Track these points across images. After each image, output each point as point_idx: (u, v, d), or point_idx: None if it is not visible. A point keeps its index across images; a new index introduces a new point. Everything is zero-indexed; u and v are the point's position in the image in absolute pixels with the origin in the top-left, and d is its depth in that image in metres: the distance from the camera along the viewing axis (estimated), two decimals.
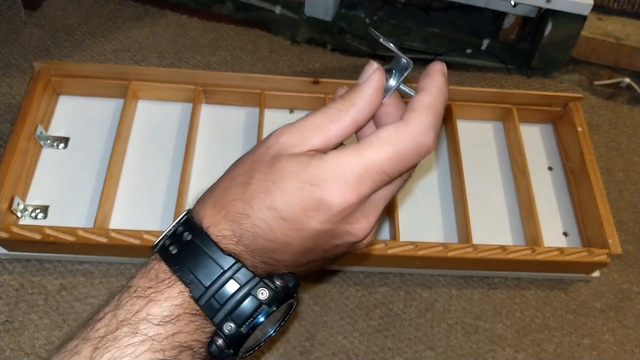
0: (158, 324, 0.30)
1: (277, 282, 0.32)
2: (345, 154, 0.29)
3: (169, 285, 0.31)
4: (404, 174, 0.32)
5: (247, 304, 0.31)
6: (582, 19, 0.79)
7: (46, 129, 0.69)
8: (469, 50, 0.89)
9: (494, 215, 0.70)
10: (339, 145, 0.31)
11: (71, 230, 0.57)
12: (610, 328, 0.65)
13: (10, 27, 0.82)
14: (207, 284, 0.30)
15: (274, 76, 0.71)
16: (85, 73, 0.70)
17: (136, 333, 0.30)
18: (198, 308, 0.31)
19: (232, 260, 0.30)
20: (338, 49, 0.89)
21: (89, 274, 0.62)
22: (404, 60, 0.31)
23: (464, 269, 0.65)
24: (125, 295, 0.31)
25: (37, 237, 0.57)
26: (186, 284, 0.30)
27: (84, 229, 0.57)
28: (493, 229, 0.69)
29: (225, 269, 0.30)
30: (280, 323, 0.35)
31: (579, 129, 0.72)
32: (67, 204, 0.65)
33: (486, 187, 0.72)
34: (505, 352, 0.62)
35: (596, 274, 0.67)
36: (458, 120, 0.73)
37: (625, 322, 0.66)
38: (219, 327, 0.31)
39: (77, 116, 0.71)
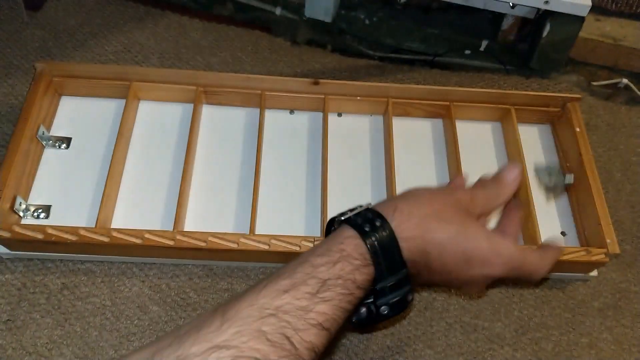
0: (358, 287, 0.40)
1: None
2: (518, 251, 0.45)
3: (363, 264, 0.40)
4: None
5: (404, 299, 0.42)
6: (581, 20, 0.79)
7: (48, 129, 0.69)
8: (467, 51, 0.90)
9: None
10: None
11: (73, 230, 0.58)
12: (608, 327, 0.66)
13: (12, 28, 0.82)
14: (388, 276, 0.41)
15: (274, 77, 0.72)
16: (87, 74, 0.71)
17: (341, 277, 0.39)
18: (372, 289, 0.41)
19: (405, 268, 0.41)
20: (338, 49, 0.90)
21: (91, 273, 0.63)
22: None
23: None
24: (315, 256, 0.40)
25: (39, 236, 0.57)
26: (375, 269, 0.40)
27: (85, 229, 0.58)
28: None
29: (402, 270, 0.41)
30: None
31: (577, 129, 0.72)
32: (69, 204, 0.65)
33: None
34: (504, 350, 0.63)
35: (594, 273, 0.68)
36: (457, 121, 0.73)
37: (623, 321, 0.66)
38: (378, 307, 0.42)
39: (79, 116, 0.72)
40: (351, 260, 0.39)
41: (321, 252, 0.40)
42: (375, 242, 0.40)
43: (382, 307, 0.42)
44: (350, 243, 0.40)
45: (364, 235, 0.40)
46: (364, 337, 0.62)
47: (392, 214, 0.42)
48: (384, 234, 0.40)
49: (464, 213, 0.44)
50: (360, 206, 0.44)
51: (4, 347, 0.57)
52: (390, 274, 0.41)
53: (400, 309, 0.43)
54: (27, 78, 0.76)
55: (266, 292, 0.36)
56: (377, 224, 0.41)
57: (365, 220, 0.41)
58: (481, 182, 0.48)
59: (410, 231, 0.41)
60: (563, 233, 0.70)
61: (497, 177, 0.48)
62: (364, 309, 0.42)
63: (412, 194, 0.45)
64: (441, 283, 0.47)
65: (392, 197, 0.44)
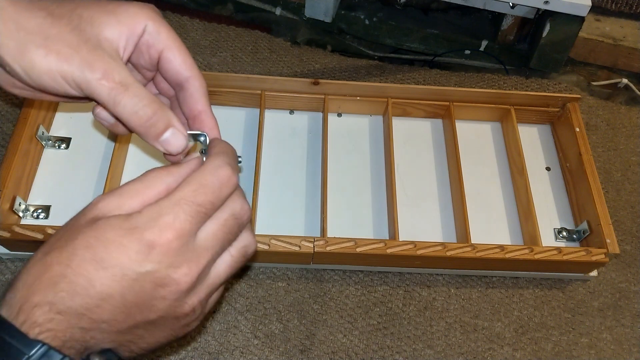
0: None
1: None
2: (158, 201, 0.31)
3: None
4: (224, 214, 0.33)
5: None
6: (580, 20, 0.79)
7: (48, 129, 0.69)
8: (467, 51, 0.90)
9: (492, 215, 0.70)
10: None
11: None
12: (608, 327, 0.66)
13: None
14: None
15: (274, 77, 0.72)
16: None
17: None
18: None
19: (38, 344, 0.28)
20: (338, 50, 0.90)
21: None
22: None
23: (462, 268, 0.65)
24: None
25: (39, 236, 0.57)
26: None
27: None
28: (491, 228, 0.69)
29: (29, 354, 0.28)
30: None
31: (577, 129, 0.72)
32: (68, 204, 0.65)
33: (484, 187, 0.73)
34: (504, 350, 0.63)
35: (594, 273, 0.68)
36: (457, 121, 0.74)
37: (623, 321, 0.66)
38: None
39: (79, 117, 0.72)
40: None
41: None
42: None
43: None
44: None
45: None
46: (363, 337, 0.62)
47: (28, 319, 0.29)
48: None
49: (82, 224, 0.31)
50: None
51: None
52: None
53: None
54: None
55: None
56: None
57: None
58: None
59: (57, 321, 0.29)
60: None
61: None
62: None
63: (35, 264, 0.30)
64: (144, 328, 0.33)
65: (19, 277, 0.30)
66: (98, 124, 0.71)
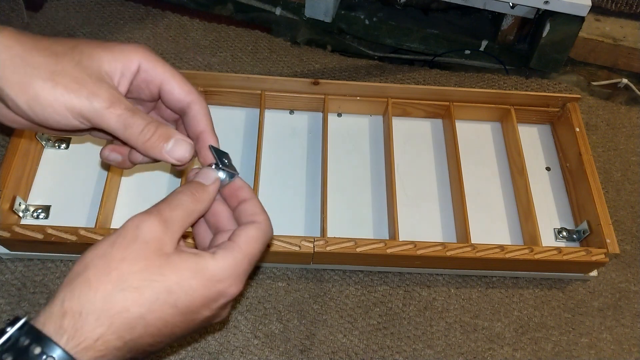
0: None
1: None
2: (234, 254, 0.36)
3: None
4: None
5: None
6: (580, 20, 0.79)
7: None
8: (467, 51, 0.90)
9: (492, 215, 0.70)
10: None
11: (73, 230, 0.58)
12: (608, 327, 0.66)
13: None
14: None
15: (274, 77, 0.72)
16: None
17: None
18: None
19: None
20: (338, 50, 0.90)
21: None
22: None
23: (462, 268, 0.65)
24: None
25: (39, 236, 0.57)
26: None
27: (85, 229, 0.58)
28: (491, 228, 0.69)
29: None
30: None
31: (577, 129, 0.72)
32: (68, 204, 0.65)
33: (485, 187, 0.73)
34: (504, 350, 0.63)
35: (594, 273, 0.68)
36: (457, 121, 0.73)
37: (623, 321, 0.66)
38: None
39: None
40: None
41: None
42: None
43: None
44: None
45: None
46: (363, 337, 0.62)
47: (61, 325, 0.30)
48: None
49: (156, 258, 0.33)
50: (17, 320, 0.30)
51: None
52: None
53: None
54: None
55: None
56: (36, 353, 0.29)
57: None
58: (169, 201, 0.36)
59: (93, 332, 0.30)
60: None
61: (188, 188, 0.38)
62: None
63: (85, 267, 0.33)
64: (180, 337, 0.36)
65: (60, 288, 0.32)
66: None
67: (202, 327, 0.37)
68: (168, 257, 0.33)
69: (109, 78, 0.36)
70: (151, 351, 0.34)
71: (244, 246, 0.36)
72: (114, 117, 0.35)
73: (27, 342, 0.29)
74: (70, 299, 0.31)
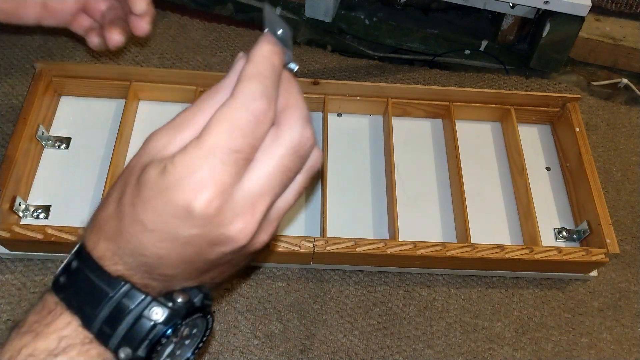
0: (45, 359, 0.28)
1: (178, 299, 0.30)
2: (187, 149, 0.27)
3: (56, 316, 0.29)
4: (275, 157, 0.29)
5: (140, 326, 0.29)
6: (580, 20, 0.79)
7: (48, 129, 0.69)
8: (467, 51, 0.90)
9: (492, 215, 0.70)
10: None
11: (73, 230, 0.58)
12: (608, 327, 0.66)
13: (13, 28, 0.82)
14: (95, 311, 0.28)
15: None
16: (86, 74, 0.71)
17: None
18: (92, 336, 0.29)
19: (120, 282, 0.29)
20: (338, 50, 0.90)
21: None
22: (280, 30, 0.30)
23: (462, 268, 0.65)
24: (14, 333, 0.29)
25: (39, 236, 0.57)
26: (74, 313, 0.29)
27: None
28: (491, 228, 0.69)
29: (112, 293, 0.28)
30: (198, 344, 0.33)
31: (577, 129, 0.72)
32: (68, 204, 0.65)
33: (485, 187, 0.73)
34: (504, 350, 0.63)
35: (594, 273, 0.68)
36: (457, 121, 0.73)
37: (623, 321, 0.66)
38: (115, 353, 0.29)
39: (79, 117, 0.72)
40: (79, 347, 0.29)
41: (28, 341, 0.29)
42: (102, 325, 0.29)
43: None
44: (66, 328, 0.29)
45: (87, 320, 0.29)
46: (363, 337, 0.62)
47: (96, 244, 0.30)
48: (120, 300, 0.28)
49: (135, 173, 0.29)
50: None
51: None
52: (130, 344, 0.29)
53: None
54: (27, 78, 0.76)
55: None
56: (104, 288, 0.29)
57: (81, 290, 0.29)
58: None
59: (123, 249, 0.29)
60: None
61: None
62: None
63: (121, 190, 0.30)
64: (220, 270, 0.32)
65: (97, 209, 0.31)
66: (98, 124, 0.71)
67: (220, 256, 0.29)
68: (144, 169, 0.29)
69: None
70: (194, 281, 0.31)
71: (204, 134, 0.28)
72: None
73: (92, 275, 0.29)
74: (103, 219, 0.30)
